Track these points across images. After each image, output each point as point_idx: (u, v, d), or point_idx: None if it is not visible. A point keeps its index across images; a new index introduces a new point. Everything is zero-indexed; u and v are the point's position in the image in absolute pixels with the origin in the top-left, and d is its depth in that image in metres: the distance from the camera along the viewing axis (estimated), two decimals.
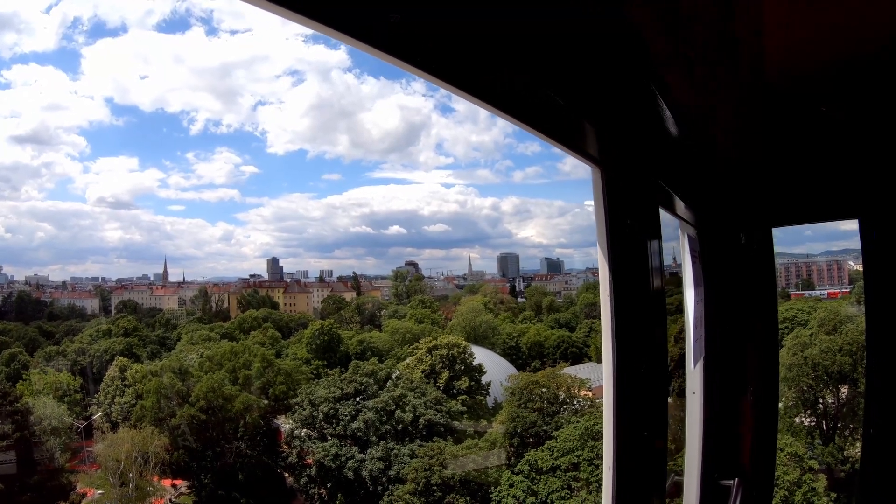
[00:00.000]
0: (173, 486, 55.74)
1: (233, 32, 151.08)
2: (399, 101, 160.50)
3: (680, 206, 5.52)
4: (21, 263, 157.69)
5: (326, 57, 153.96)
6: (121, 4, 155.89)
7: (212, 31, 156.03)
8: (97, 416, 62.46)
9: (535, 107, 2.61)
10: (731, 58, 3.68)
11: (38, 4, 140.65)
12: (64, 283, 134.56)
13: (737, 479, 7.25)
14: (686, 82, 3.86)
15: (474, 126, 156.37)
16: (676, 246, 6.26)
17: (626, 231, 3.47)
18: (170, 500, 54.36)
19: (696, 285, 6.16)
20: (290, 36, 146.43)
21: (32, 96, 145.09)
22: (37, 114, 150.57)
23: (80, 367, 72.98)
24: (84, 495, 50.00)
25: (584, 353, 79.93)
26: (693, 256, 6.18)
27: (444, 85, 2.10)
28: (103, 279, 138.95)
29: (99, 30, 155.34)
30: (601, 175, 3.35)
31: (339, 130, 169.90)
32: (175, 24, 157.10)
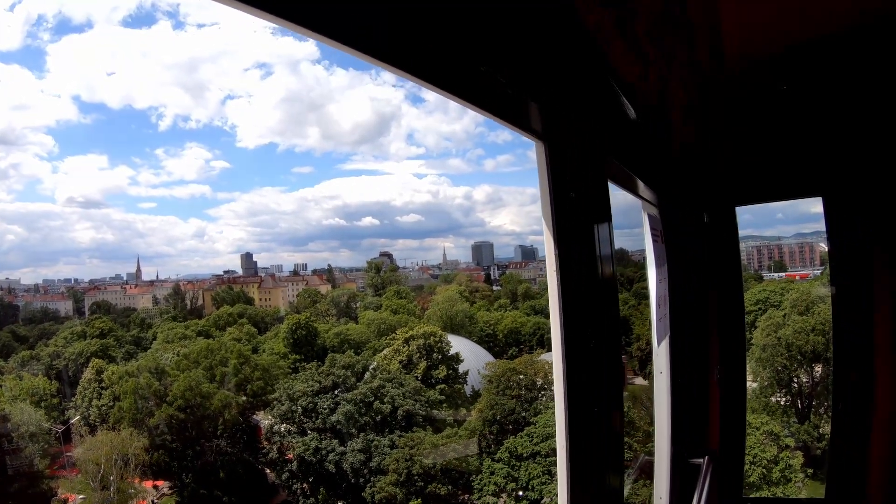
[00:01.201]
0: (155, 487, 55.31)
1: (199, 26, 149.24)
2: (369, 92, 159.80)
3: (640, 185, 5.56)
4: None
5: (295, 49, 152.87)
6: (86, 0, 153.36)
7: (178, 25, 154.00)
8: (75, 419, 61.93)
9: (474, 83, 2.65)
10: (686, 38, 3.77)
11: (0, 3, 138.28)
12: (36, 285, 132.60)
13: (706, 458, 7.37)
14: (635, 60, 3.94)
15: (445, 116, 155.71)
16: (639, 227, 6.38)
17: (573, 206, 3.49)
18: (152, 501, 54.01)
19: (659, 264, 6.21)
20: (258, 29, 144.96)
21: None
22: (2, 114, 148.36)
23: (56, 370, 72.15)
24: (66, 500, 49.79)
25: None
26: (655, 236, 6.20)
27: (383, 64, 2.10)
28: (76, 280, 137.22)
29: (64, 26, 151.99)
30: (545, 150, 3.37)
31: (309, 123, 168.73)
32: (141, 18, 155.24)
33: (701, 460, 7.32)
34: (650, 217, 6.18)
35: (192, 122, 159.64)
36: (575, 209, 3.51)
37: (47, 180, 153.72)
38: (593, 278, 3.69)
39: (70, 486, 51.06)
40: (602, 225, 3.78)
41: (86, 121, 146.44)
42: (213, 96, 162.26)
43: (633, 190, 5.43)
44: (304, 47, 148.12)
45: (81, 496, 50.01)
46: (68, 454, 56.66)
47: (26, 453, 51.53)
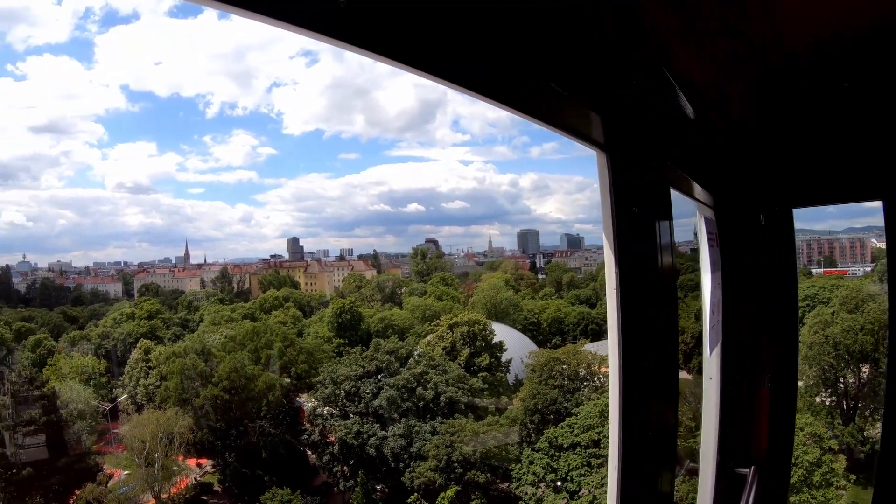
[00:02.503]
0: (198, 465, 56.39)
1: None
2: (414, 78, 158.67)
3: (696, 188, 5.46)
4: (44, 251, 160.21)
5: None
6: None
7: (223, 14, 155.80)
8: (122, 398, 63.40)
9: (532, 96, 2.54)
10: (744, 30, 3.53)
11: None
12: (87, 268, 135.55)
13: (752, 468, 7.15)
14: (696, 58, 3.69)
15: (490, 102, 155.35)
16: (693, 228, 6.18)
17: (635, 220, 3.36)
18: (195, 479, 54.94)
19: (714, 269, 6.07)
20: None
21: (48, 87, 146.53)
22: (53, 103, 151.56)
23: (105, 350, 73.74)
24: (111, 476, 50.54)
25: (604, 329, 77.29)
26: (710, 239, 6.07)
27: (432, 77, 2.01)
28: (125, 263, 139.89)
29: (111, 18, 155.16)
30: (607, 161, 3.25)
31: (354, 110, 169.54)
32: (186, 8, 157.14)
33: (747, 470, 7.10)
34: (706, 220, 6.04)
35: (239, 109, 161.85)
36: (638, 226, 3.39)
37: (97, 167, 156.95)
38: (654, 300, 3.58)
39: (116, 461, 51.97)
40: (664, 242, 3.63)
41: (134, 109, 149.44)
42: (259, 84, 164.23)
43: (688, 193, 5.32)
44: None
45: (126, 472, 50.93)
46: (115, 431, 57.85)
47: (74, 429, 52.80)
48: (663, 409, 3.78)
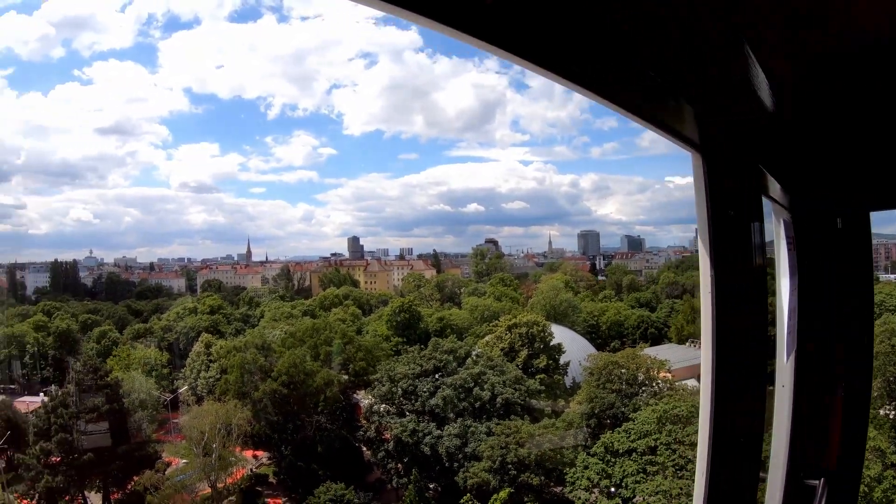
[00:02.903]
0: (255, 456, 57.63)
1: (303, 18, 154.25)
2: (472, 79, 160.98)
3: (776, 188, 5.30)
4: (110, 247, 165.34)
5: (397, 38, 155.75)
6: None
7: (283, 18, 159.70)
8: (183, 389, 64.84)
9: (628, 87, 2.48)
10: (826, 23, 3.31)
11: (112, 4, 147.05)
12: (151, 264, 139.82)
13: (822, 480, 6.87)
14: (778, 51, 3.54)
15: (549, 102, 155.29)
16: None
17: (731, 224, 3.29)
18: (251, 469, 55.98)
19: (791, 274, 5.91)
20: (360, 19, 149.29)
21: (113, 90, 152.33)
22: (119, 106, 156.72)
23: (167, 343, 75.58)
24: (169, 464, 51.98)
25: (664, 333, 79.34)
26: (788, 243, 5.92)
27: (532, 66, 1.96)
28: (189, 260, 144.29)
29: (173, 24, 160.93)
30: (702, 162, 3.19)
31: (413, 110, 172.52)
32: (246, 13, 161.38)
33: (817, 482, 6.80)
34: (784, 223, 5.90)
35: (300, 110, 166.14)
36: (734, 229, 3.35)
37: (162, 167, 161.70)
38: (747, 304, 3.51)
39: (174, 450, 53.44)
40: (759, 245, 3.55)
41: (197, 111, 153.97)
42: (319, 86, 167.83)
43: (768, 194, 5.13)
44: (406, 35, 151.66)
45: (184, 461, 52.24)
46: (174, 421, 59.51)
47: (135, 418, 54.22)
48: (753, 414, 3.70)
